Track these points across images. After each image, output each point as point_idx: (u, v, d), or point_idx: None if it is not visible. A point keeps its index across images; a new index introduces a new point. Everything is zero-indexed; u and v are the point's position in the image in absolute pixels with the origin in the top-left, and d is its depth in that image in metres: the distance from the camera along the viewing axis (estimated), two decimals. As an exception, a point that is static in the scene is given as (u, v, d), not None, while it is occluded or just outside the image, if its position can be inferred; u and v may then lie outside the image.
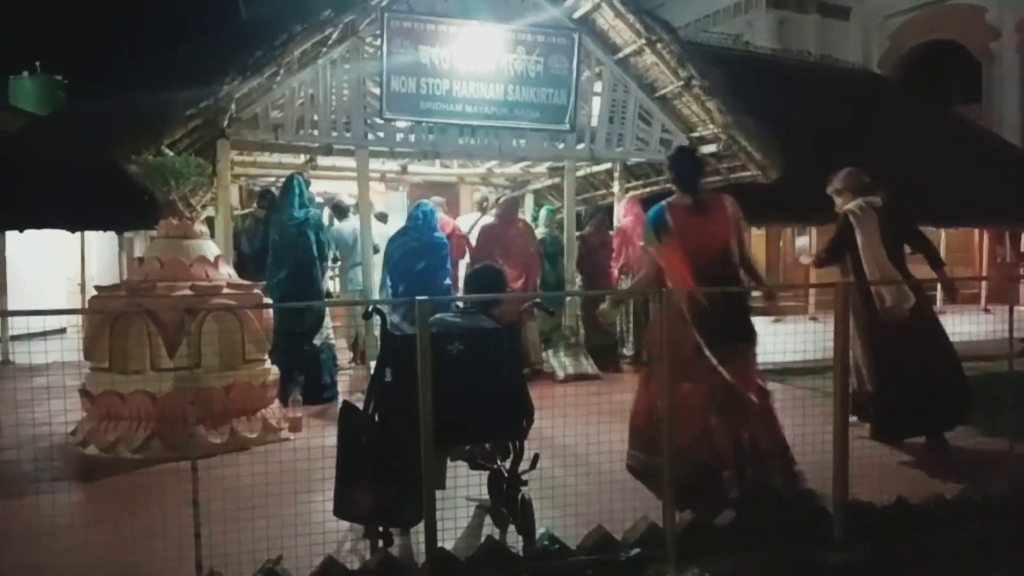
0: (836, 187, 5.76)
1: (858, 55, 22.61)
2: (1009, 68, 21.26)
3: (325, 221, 8.32)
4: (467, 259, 8.82)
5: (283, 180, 10.99)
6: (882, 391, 5.19)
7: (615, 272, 8.66)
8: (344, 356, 8.65)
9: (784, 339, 4.69)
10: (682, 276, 4.16)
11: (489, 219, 8.87)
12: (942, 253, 15.38)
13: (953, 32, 22.44)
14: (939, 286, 7.18)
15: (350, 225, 8.54)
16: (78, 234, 10.70)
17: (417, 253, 6.96)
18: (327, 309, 7.51)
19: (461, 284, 9.09)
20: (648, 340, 4.83)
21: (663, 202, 4.38)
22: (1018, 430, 4.26)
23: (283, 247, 6.95)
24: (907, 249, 5.60)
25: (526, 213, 10.47)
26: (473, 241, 8.54)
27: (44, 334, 6.63)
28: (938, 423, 5.14)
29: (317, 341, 7.01)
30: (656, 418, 3.84)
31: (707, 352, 4.01)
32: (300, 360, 6.77)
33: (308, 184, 7.45)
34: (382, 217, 9.48)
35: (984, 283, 15.04)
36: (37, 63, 18.18)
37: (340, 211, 8.81)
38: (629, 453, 4.24)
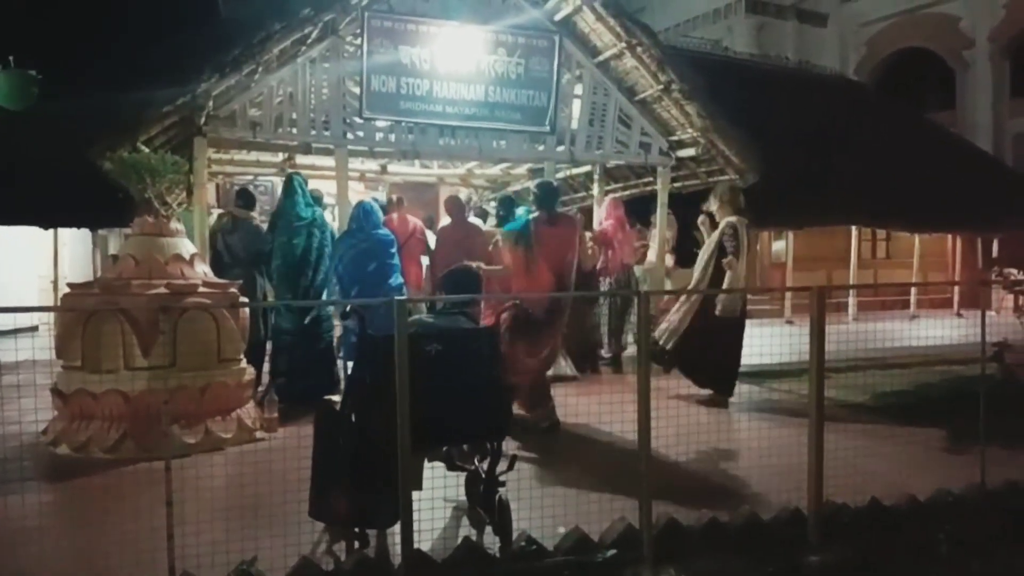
0: (723, 197, 6.82)
1: (835, 61, 22.91)
2: (982, 76, 21.63)
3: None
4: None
5: (258, 179, 10.97)
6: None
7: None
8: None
9: (760, 342, 4.74)
10: (525, 283, 5.56)
11: (445, 222, 8.81)
12: (915, 258, 15.66)
13: (928, 40, 22.78)
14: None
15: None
16: (51, 231, 10.56)
17: (368, 253, 6.78)
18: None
19: (424, 281, 9.15)
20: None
21: (529, 217, 5.99)
22: (989, 432, 4.32)
23: (291, 248, 6.91)
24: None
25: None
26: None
27: (15, 332, 6.50)
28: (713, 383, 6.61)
29: (323, 343, 6.97)
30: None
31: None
32: (310, 358, 6.75)
33: (307, 182, 7.39)
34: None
35: (957, 288, 15.27)
36: (10, 57, 17.91)
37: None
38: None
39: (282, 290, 6.91)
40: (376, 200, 8.27)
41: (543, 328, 5.67)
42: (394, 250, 7.07)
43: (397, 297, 3.32)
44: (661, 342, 6.75)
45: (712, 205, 6.90)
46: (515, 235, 5.69)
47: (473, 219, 8.81)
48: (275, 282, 6.99)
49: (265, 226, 7.36)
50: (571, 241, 5.78)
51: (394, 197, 9.31)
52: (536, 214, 5.86)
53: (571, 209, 10.06)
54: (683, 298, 6.83)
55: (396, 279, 6.94)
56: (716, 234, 6.73)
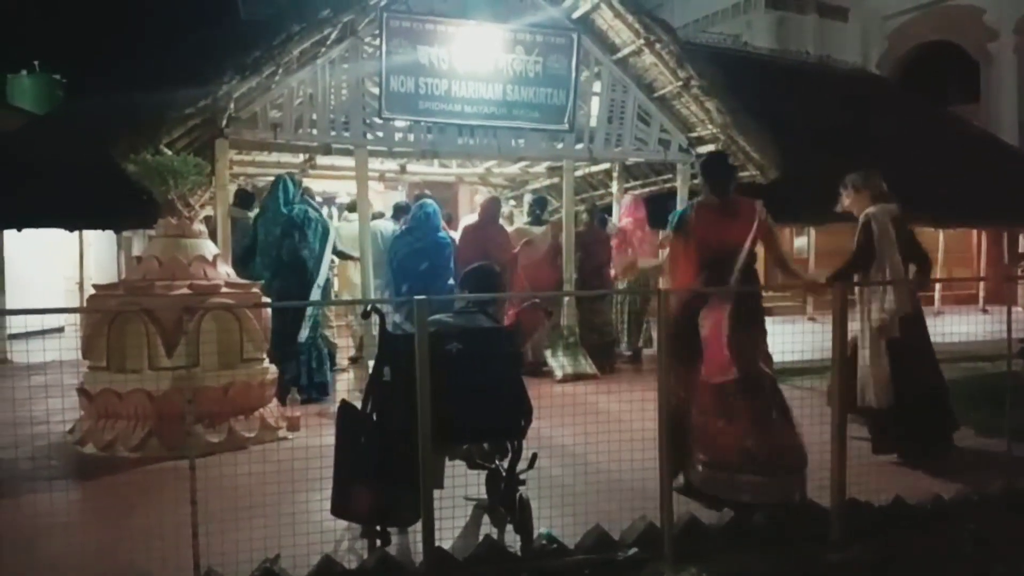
0: (856, 184, 5.33)
1: (856, 55, 22.64)
2: (1007, 69, 21.30)
3: (335, 219, 8.27)
4: None
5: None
6: (893, 406, 4.92)
7: (613, 272, 8.65)
8: (346, 354, 8.65)
9: (782, 339, 4.71)
10: (683, 280, 4.41)
11: (471, 219, 8.87)
12: (940, 254, 15.45)
13: (951, 33, 22.47)
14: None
15: (381, 224, 8.67)
16: (76, 233, 10.70)
17: (421, 253, 6.94)
18: (320, 308, 7.49)
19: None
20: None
21: (693, 200, 4.64)
22: (1016, 430, 4.26)
23: (268, 245, 6.94)
24: None
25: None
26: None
27: (42, 333, 6.62)
28: (930, 443, 4.97)
29: (301, 339, 6.92)
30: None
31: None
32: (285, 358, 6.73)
33: (298, 184, 7.40)
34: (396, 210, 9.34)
35: (982, 284, 15.08)
36: (36, 62, 18.17)
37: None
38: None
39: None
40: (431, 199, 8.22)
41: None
42: (450, 252, 7.17)
43: (417, 296, 3.33)
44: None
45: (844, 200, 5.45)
46: (676, 224, 4.49)
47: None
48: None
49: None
50: (747, 229, 4.33)
51: (421, 193, 9.31)
52: (701, 197, 4.57)
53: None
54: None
55: (450, 280, 7.02)
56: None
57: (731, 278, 4.27)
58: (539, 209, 8.94)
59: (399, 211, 8.88)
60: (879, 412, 4.92)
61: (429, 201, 7.47)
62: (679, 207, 8.79)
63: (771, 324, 4.56)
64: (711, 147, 8.63)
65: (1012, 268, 15.84)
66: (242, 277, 6.23)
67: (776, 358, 4.46)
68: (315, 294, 7.00)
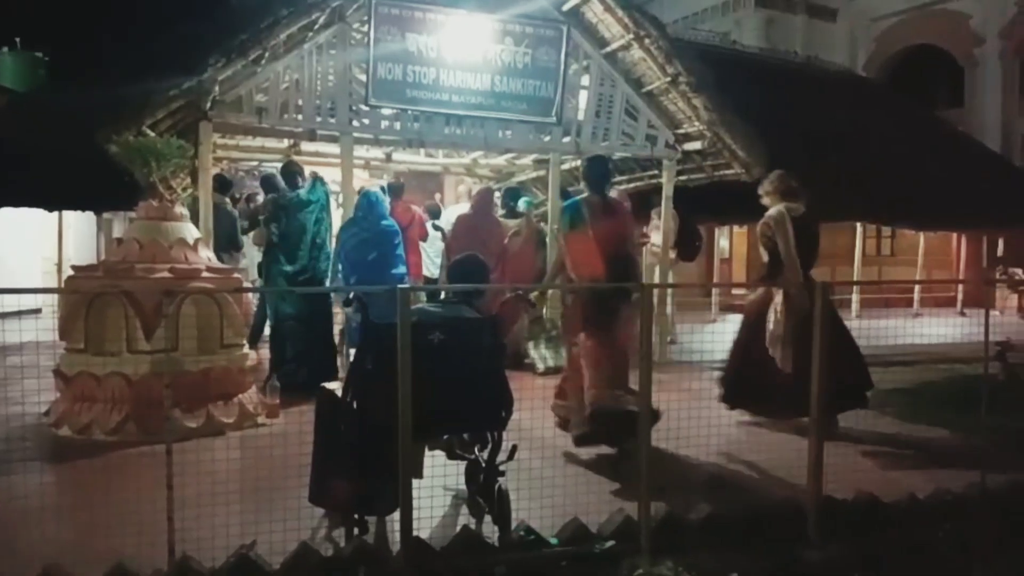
0: (766, 188, 5.98)
1: (844, 57, 22.79)
2: (991, 74, 21.51)
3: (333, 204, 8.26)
4: (427, 242, 9.09)
5: (263, 165, 11.00)
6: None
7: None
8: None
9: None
10: (590, 262, 5.04)
11: (464, 210, 8.86)
12: (920, 256, 15.57)
13: (938, 37, 22.66)
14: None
15: None
16: (56, 214, 10.57)
17: (369, 243, 6.82)
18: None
19: (426, 270, 9.18)
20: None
21: (578, 197, 5.41)
22: (991, 431, 4.32)
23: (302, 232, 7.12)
24: None
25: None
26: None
27: (19, 313, 6.54)
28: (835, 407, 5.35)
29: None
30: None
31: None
32: (308, 345, 6.78)
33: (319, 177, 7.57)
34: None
35: (961, 287, 15.23)
36: (17, 39, 17.91)
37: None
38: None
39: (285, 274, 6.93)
40: (383, 187, 8.30)
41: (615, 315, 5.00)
42: (398, 240, 7.08)
43: (401, 285, 3.31)
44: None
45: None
46: (570, 217, 5.21)
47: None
48: (282, 266, 7.01)
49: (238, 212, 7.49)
50: (624, 226, 5.31)
51: (396, 181, 9.33)
52: (586, 195, 5.33)
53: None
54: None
55: (399, 268, 6.96)
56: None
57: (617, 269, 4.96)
58: (512, 201, 8.93)
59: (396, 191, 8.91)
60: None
61: (372, 190, 7.40)
62: (664, 203, 8.87)
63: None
64: (697, 143, 8.65)
65: (991, 272, 16.02)
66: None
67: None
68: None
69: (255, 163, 10.92)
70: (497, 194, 9.51)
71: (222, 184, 8.02)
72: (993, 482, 4.19)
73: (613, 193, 5.74)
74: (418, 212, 8.84)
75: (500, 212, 8.88)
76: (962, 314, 13.81)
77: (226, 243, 7.52)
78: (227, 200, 7.78)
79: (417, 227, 8.63)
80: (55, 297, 5.76)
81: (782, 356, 5.54)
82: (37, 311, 9.06)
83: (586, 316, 5.04)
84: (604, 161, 5.57)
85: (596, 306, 4.97)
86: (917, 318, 13.14)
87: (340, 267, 6.92)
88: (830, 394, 4.96)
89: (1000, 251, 16.63)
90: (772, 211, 5.81)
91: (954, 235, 16.73)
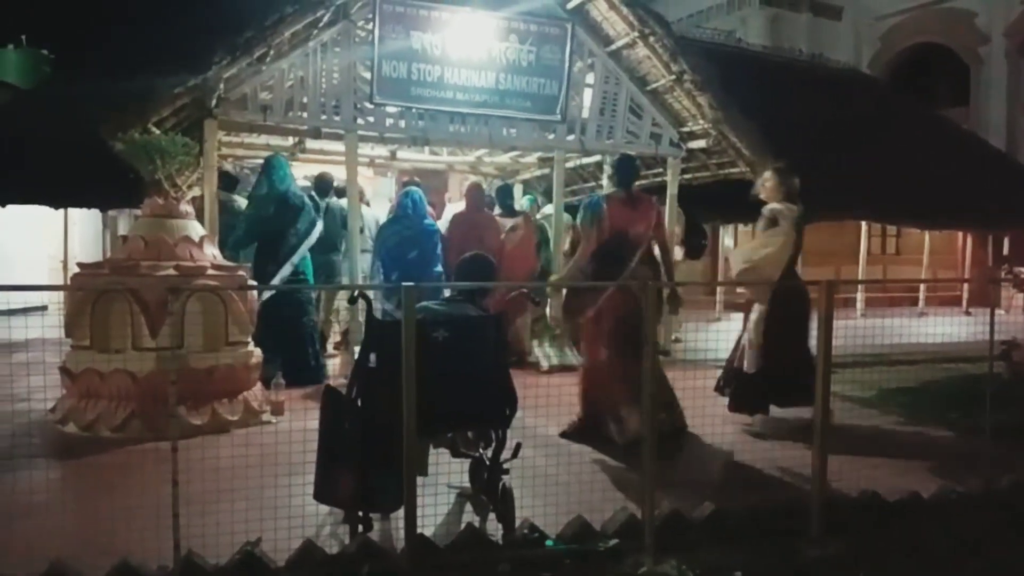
0: (774, 183, 5.86)
1: (849, 55, 22.70)
2: (997, 72, 21.41)
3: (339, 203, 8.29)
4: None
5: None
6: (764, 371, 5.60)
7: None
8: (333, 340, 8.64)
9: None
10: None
11: (459, 207, 8.85)
12: (925, 255, 15.53)
13: (943, 35, 22.56)
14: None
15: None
16: (61, 211, 10.60)
17: (411, 241, 6.92)
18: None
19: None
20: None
21: (602, 194, 5.56)
22: (995, 430, 4.31)
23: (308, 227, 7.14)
24: None
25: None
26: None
27: (25, 311, 6.57)
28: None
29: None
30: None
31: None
32: (284, 341, 6.74)
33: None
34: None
35: (966, 285, 15.20)
36: (23, 36, 17.94)
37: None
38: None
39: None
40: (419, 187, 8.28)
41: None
42: (437, 239, 7.19)
43: (404, 283, 3.32)
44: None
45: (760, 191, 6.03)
46: (590, 214, 5.28)
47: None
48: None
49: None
50: (649, 223, 5.30)
51: (411, 180, 9.27)
52: (611, 191, 5.44)
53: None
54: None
55: (438, 267, 7.07)
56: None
57: (631, 263, 5.09)
58: (508, 199, 8.92)
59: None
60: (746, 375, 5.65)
61: (415, 188, 7.43)
62: (668, 201, 8.85)
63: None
64: (702, 142, 8.64)
65: (996, 271, 15.97)
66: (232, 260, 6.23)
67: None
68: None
69: (260, 161, 10.92)
70: (490, 193, 9.54)
71: (228, 181, 8.01)
72: (997, 481, 4.19)
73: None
74: (431, 212, 8.80)
75: (497, 211, 8.88)
76: (967, 313, 13.78)
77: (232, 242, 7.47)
78: (235, 198, 7.77)
79: None
80: (61, 294, 5.77)
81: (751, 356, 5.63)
82: (43, 308, 9.09)
83: (611, 322, 5.05)
84: (632, 159, 5.68)
85: (622, 310, 4.91)
86: (922, 317, 13.12)
87: (379, 264, 6.99)
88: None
89: (1006, 250, 16.57)
90: (780, 206, 5.74)
91: (959, 234, 16.68)
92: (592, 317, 5.24)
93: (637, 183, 5.63)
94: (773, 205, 5.75)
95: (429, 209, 8.73)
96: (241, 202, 7.90)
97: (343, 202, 8.03)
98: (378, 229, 7.31)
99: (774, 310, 5.51)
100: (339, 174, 8.70)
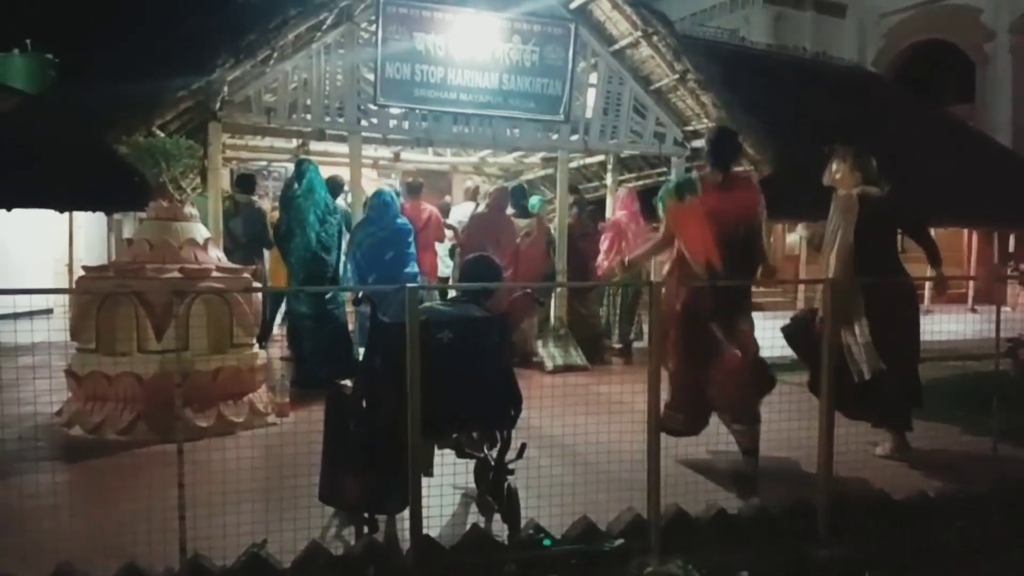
0: (846, 168, 5.10)
1: (853, 52, 22.67)
2: (1002, 69, 21.35)
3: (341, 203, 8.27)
4: (446, 242, 9.01)
5: (271, 165, 11.01)
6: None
7: (604, 264, 8.62)
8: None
9: (772, 334, 4.74)
10: (703, 240, 4.42)
11: (480, 208, 8.86)
12: (931, 252, 15.27)
13: (948, 32, 22.50)
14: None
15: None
16: (66, 214, 10.62)
17: (386, 242, 6.85)
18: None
19: (440, 270, 9.17)
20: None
21: (693, 174, 4.81)
22: (1002, 429, 4.29)
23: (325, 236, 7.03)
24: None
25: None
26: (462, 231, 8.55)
27: (30, 314, 6.57)
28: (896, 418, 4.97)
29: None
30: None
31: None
32: (327, 339, 6.79)
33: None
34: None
35: (972, 283, 15.14)
36: (28, 40, 18.00)
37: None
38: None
39: (303, 275, 6.92)
40: (394, 188, 8.32)
41: (722, 312, 4.46)
42: (411, 239, 7.12)
43: (409, 284, 3.32)
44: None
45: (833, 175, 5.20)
46: (680, 190, 4.56)
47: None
48: (296, 268, 6.96)
49: (270, 210, 7.40)
50: (750, 208, 4.52)
51: (415, 180, 9.26)
52: (706, 171, 4.69)
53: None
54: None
55: (412, 267, 6.99)
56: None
57: (735, 256, 4.39)
58: (521, 199, 8.91)
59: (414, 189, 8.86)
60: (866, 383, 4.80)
61: (385, 190, 7.41)
62: (691, 180, 8.77)
63: (762, 319, 4.61)
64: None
65: (1002, 268, 15.92)
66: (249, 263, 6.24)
67: (765, 353, 4.53)
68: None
69: (264, 163, 10.95)
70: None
71: (246, 183, 7.94)
72: (1005, 480, 4.17)
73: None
74: (434, 212, 8.80)
75: (512, 212, 8.88)
76: (973, 311, 13.72)
77: (256, 244, 7.36)
78: (254, 200, 7.75)
79: (434, 228, 8.55)
80: (66, 297, 5.79)
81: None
82: (49, 311, 9.11)
83: (697, 313, 4.46)
84: (732, 134, 4.84)
85: (710, 301, 4.40)
86: (928, 315, 13.07)
87: (353, 268, 6.93)
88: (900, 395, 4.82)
89: (1011, 247, 16.52)
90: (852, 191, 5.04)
91: (965, 231, 16.62)
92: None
93: (734, 165, 4.77)
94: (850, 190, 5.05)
95: (428, 206, 8.76)
96: (262, 204, 7.90)
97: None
98: (351, 232, 7.24)
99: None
100: (343, 175, 8.72)
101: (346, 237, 7.40)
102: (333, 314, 6.95)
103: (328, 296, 6.84)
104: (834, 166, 5.17)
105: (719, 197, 4.45)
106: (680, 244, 4.61)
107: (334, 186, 8.19)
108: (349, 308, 7.06)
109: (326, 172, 10.44)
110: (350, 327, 7.17)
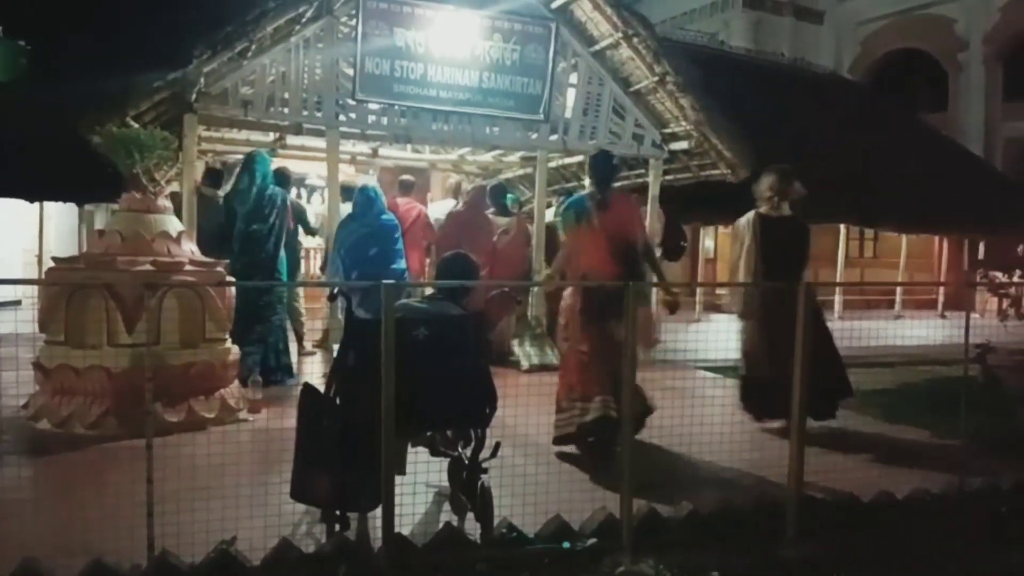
0: (781, 187, 5.78)
1: (830, 59, 22.95)
2: (975, 79, 21.72)
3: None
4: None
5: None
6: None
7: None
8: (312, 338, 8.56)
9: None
10: (597, 257, 4.98)
11: (458, 206, 8.83)
12: (902, 258, 15.71)
13: (922, 41, 22.85)
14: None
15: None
16: (37, 204, 10.45)
17: (370, 238, 6.78)
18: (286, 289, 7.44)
19: (430, 269, 9.10)
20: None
21: (583, 193, 5.35)
22: (970, 433, 4.36)
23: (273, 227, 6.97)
24: None
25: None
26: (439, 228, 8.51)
27: (-2, 305, 6.47)
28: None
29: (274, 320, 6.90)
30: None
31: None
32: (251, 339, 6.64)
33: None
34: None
35: (942, 289, 15.37)
36: (-1, 28, 17.70)
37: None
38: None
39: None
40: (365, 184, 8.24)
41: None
42: (398, 235, 7.05)
43: (385, 281, 3.30)
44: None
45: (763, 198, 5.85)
46: (574, 213, 5.14)
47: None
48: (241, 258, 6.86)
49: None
50: (632, 222, 5.22)
51: (407, 178, 9.15)
52: (590, 191, 5.29)
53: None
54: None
55: (399, 264, 6.92)
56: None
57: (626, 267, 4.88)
58: (501, 198, 8.89)
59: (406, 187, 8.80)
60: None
61: (370, 185, 7.35)
62: (650, 202, 8.88)
63: (732, 323, 4.65)
64: (684, 143, 8.68)
65: (971, 275, 16.17)
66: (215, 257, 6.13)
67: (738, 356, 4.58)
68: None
69: (240, 156, 10.83)
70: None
71: (213, 177, 7.86)
72: (971, 482, 4.23)
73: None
74: (423, 211, 8.73)
75: (490, 211, 8.86)
76: (943, 316, 13.93)
77: (219, 239, 7.25)
78: (220, 194, 7.66)
79: (421, 227, 8.45)
80: (35, 289, 5.68)
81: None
82: (17, 303, 8.95)
83: (587, 315, 4.96)
84: (609, 156, 5.45)
85: (599, 305, 4.85)
86: (898, 320, 13.26)
87: (338, 264, 6.86)
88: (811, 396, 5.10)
89: (981, 254, 16.79)
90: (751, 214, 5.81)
91: (936, 238, 16.87)
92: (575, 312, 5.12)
93: (616, 183, 5.55)
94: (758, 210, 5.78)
95: (419, 205, 8.69)
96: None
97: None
98: (336, 227, 7.17)
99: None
100: (320, 171, 8.66)
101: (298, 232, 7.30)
102: (264, 313, 6.81)
103: (265, 293, 6.75)
104: (762, 183, 5.85)
105: (601, 215, 5.05)
106: (575, 263, 5.17)
107: (281, 179, 8.04)
108: (319, 304, 6.98)
109: (304, 167, 10.35)
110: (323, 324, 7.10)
